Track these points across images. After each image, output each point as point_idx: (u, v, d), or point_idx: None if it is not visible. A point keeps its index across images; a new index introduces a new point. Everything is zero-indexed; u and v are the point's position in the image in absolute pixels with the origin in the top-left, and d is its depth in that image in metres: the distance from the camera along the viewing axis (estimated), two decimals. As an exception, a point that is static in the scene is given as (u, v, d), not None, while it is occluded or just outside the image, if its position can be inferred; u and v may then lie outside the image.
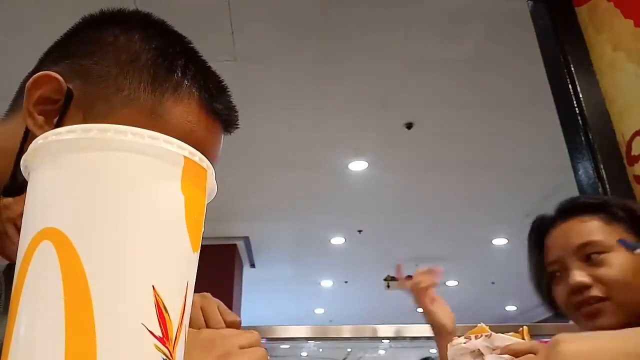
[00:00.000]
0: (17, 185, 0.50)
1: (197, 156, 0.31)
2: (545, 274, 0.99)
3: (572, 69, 1.73)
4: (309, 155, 4.51)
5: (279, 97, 3.69)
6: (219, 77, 0.63)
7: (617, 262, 0.86)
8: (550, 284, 0.99)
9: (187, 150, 0.30)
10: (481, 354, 0.74)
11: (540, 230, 1.01)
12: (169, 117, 0.56)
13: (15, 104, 0.59)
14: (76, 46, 0.58)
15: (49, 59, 0.60)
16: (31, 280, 0.27)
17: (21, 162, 0.32)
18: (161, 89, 0.56)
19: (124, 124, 0.52)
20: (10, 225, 0.51)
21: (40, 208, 0.29)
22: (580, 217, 0.94)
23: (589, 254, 0.89)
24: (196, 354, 0.45)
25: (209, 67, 0.62)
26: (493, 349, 0.74)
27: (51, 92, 0.54)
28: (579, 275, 0.88)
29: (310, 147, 4.38)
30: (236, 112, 0.63)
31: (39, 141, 0.30)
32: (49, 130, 0.31)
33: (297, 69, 3.41)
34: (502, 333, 0.77)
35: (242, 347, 0.51)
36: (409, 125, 4.07)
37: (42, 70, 0.56)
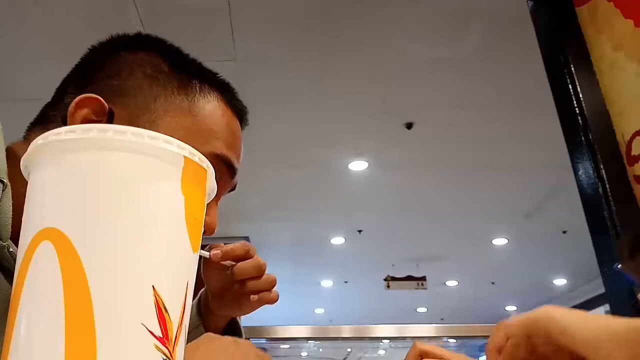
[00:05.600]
0: None
1: (197, 156, 0.31)
2: None
3: (572, 69, 1.73)
4: (309, 155, 4.51)
5: (278, 97, 3.68)
6: (226, 79, 0.68)
7: None
8: None
9: (187, 150, 0.30)
10: None
11: None
12: (206, 114, 0.61)
13: (37, 125, 0.61)
14: (98, 70, 0.61)
15: (71, 86, 0.61)
16: (31, 280, 0.27)
17: (21, 163, 0.32)
18: (190, 91, 0.62)
19: (172, 128, 0.59)
20: None
21: (40, 208, 0.29)
22: None
23: None
24: None
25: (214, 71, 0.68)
26: None
27: (93, 114, 0.56)
28: None
29: (310, 147, 4.37)
30: (247, 109, 0.70)
31: (39, 141, 0.30)
32: None
33: (297, 69, 3.41)
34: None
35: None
36: (409, 125, 4.07)
37: (63, 100, 0.58)
